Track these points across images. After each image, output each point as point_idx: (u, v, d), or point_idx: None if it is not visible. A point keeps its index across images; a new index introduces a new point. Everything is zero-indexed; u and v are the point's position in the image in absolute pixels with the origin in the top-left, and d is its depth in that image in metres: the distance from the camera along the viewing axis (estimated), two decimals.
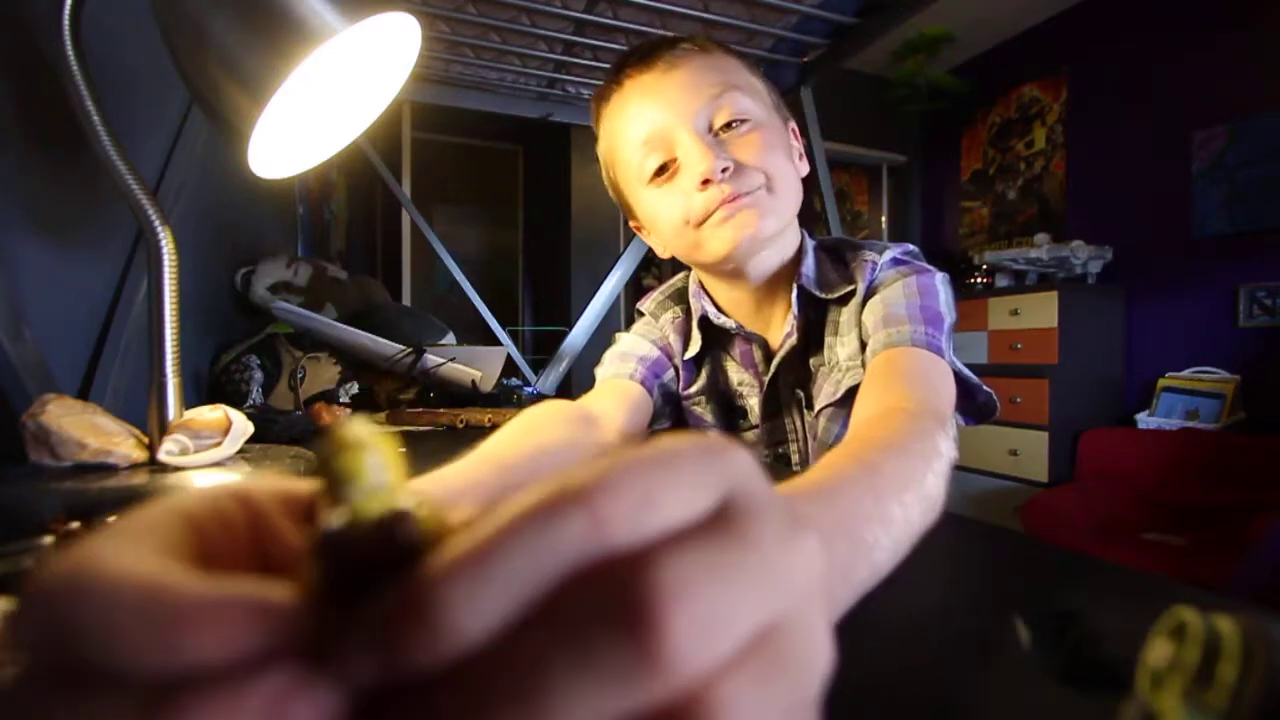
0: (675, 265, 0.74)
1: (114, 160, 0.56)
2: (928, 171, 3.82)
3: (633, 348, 0.68)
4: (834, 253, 0.65)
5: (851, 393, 0.58)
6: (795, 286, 0.61)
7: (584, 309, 1.69)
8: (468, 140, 4.13)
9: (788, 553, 0.12)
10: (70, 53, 0.54)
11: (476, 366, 1.17)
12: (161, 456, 0.55)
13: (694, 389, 0.70)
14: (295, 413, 0.96)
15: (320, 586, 0.11)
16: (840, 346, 0.61)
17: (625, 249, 1.65)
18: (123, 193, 0.57)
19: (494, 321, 1.95)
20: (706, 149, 0.54)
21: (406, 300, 3.39)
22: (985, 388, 0.59)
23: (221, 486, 0.14)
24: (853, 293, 0.60)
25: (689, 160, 0.55)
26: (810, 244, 0.64)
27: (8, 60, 0.62)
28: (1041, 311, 2.55)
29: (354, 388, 1.12)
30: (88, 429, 0.53)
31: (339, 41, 0.46)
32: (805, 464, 0.66)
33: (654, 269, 3.88)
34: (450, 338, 1.35)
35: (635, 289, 3.60)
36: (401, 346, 1.11)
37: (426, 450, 0.71)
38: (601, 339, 0.72)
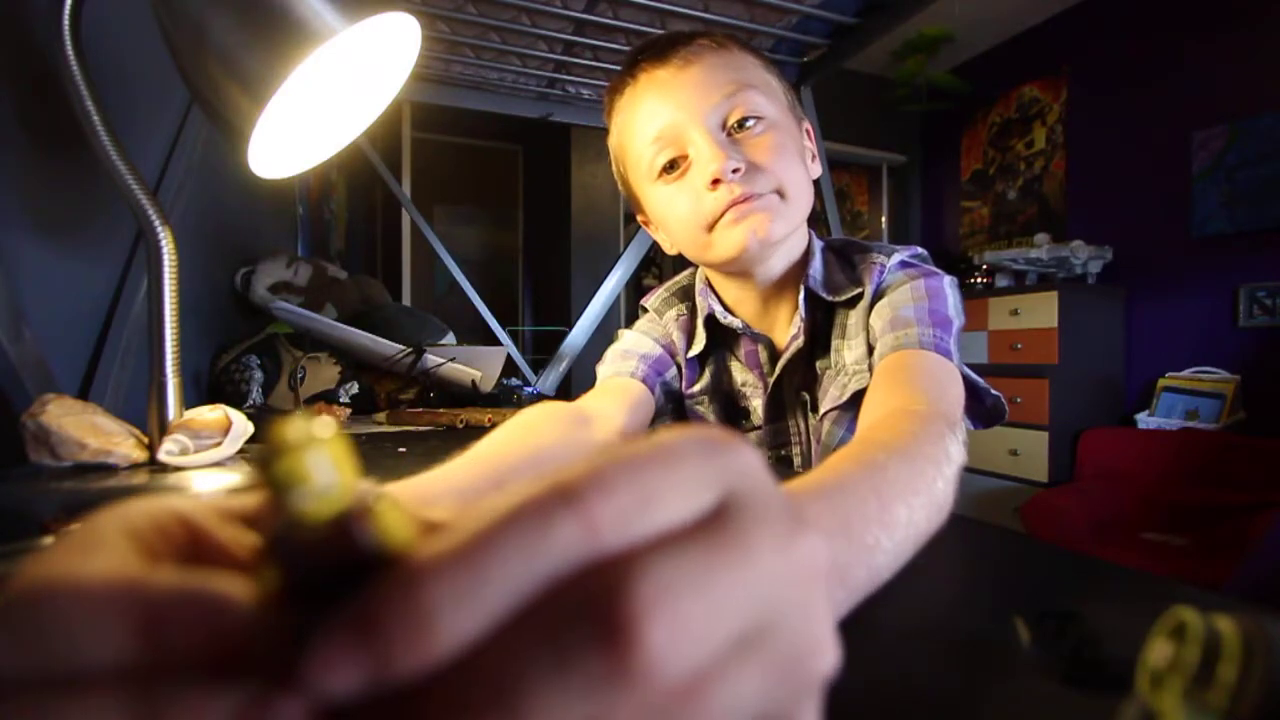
0: (676, 264, 0.74)
1: (114, 160, 0.56)
2: (928, 171, 3.82)
3: (635, 345, 0.68)
4: (841, 254, 0.65)
5: (857, 396, 0.58)
6: (802, 288, 0.61)
7: (584, 309, 1.69)
8: (468, 140, 4.13)
9: (783, 551, 0.12)
10: (70, 53, 0.54)
11: (476, 366, 1.17)
12: (161, 456, 0.55)
13: (697, 388, 0.69)
14: (297, 411, 0.95)
15: (276, 594, 0.11)
16: (847, 350, 0.61)
17: (625, 249, 1.65)
18: (123, 193, 0.57)
19: (494, 321, 1.95)
20: (718, 148, 0.54)
21: (406, 300, 3.39)
22: (993, 391, 0.59)
23: (158, 502, 0.14)
24: (860, 295, 0.60)
25: (700, 159, 0.55)
26: (818, 245, 0.63)
27: (8, 60, 0.62)
28: (1041, 311, 2.55)
29: (354, 388, 1.12)
30: (88, 429, 0.53)
31: (339, 41, 0.46)
32: (808, 467, 0.66)
33: (654, 268, 3.88)
34: (450, 338, 1.35)
35: (635, 289, 3.60)
36: (401, 346, 1.11)
37: (426, 450, 0.71)
38: (601, 339, 0.71)
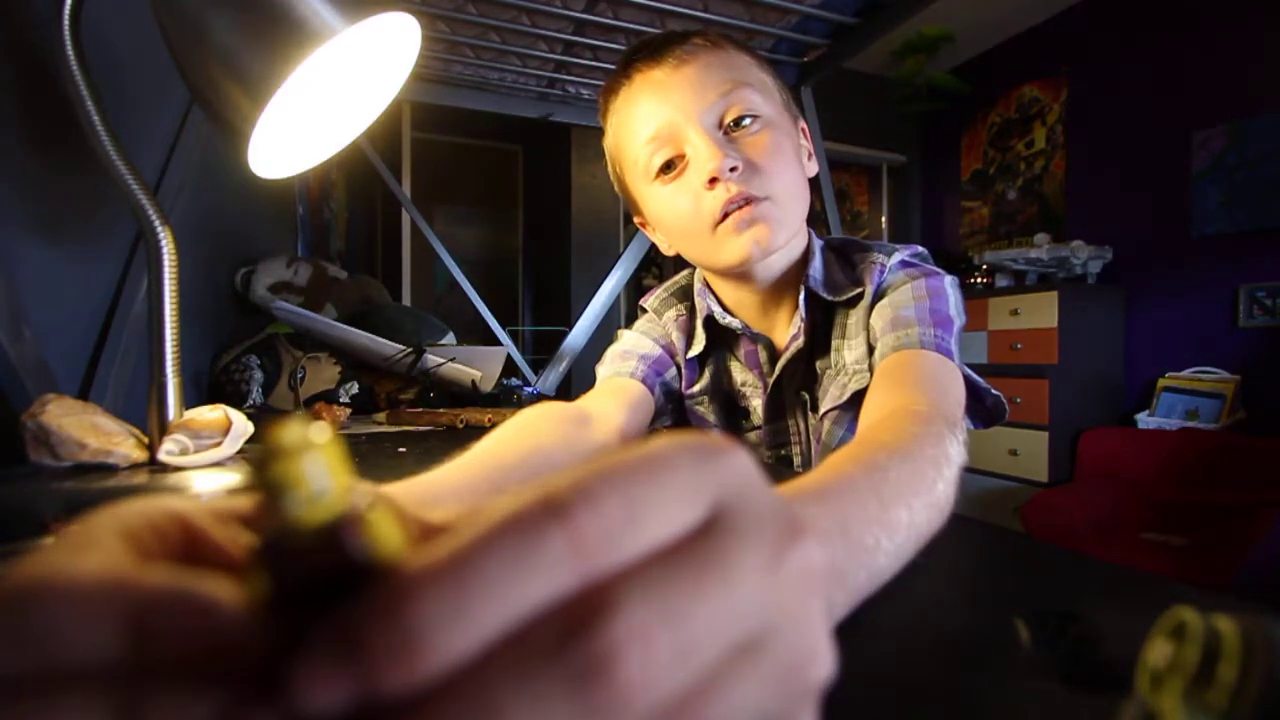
0: (676, 265, 0.74)
1: (114, 160, 0.56)
2: (928, 171, 3.81)
3: (634, 345, 0.68)
4: (841, 253, 0.65)
5: (857, 396, 0.58)
6: (803, 289, 0.61)
7: (584, 309, 1.69)
8: (468, 140, 4.13)
9: (774, 563, 0.12)
10: (70, 53, 0.54)
11: (476, 366, 1.17)
12: (161, 456, 0.55)
13: (696, 388, 0.69)
14: (295, 413, 0.96)
15: (264, 602, 0.11)
16: (848, 350, 0.61)
17: (625, 249, 1.65)
18: (123, 193, 0.57)
19: (494, 321, 1.95)
20: (715, 147, 0.54)
21: (406, 300, 3.39)
22: (994, 391, 0.59)
23: (154, 502, 0.14)
24: (860, 295, 0.60)
25: (698, 158, 0.55)
26: (817, 245, 0.63)
27: (8, 60, 0.62)
28: (1041, 311, 2.55)
29: (354, 388, 1.12)
30: (88, 429, 0.53)
31: (339, 41, 0.46)
32: (807, 467, 0.66)
33: (654, 269, 3.88)
34: (450, 338, 1.35)
35: (635, 289, 3.60)
36: (401, 346, 1.11)
37: (426, 450, 0.71)
38: (601, 339, 0.71)
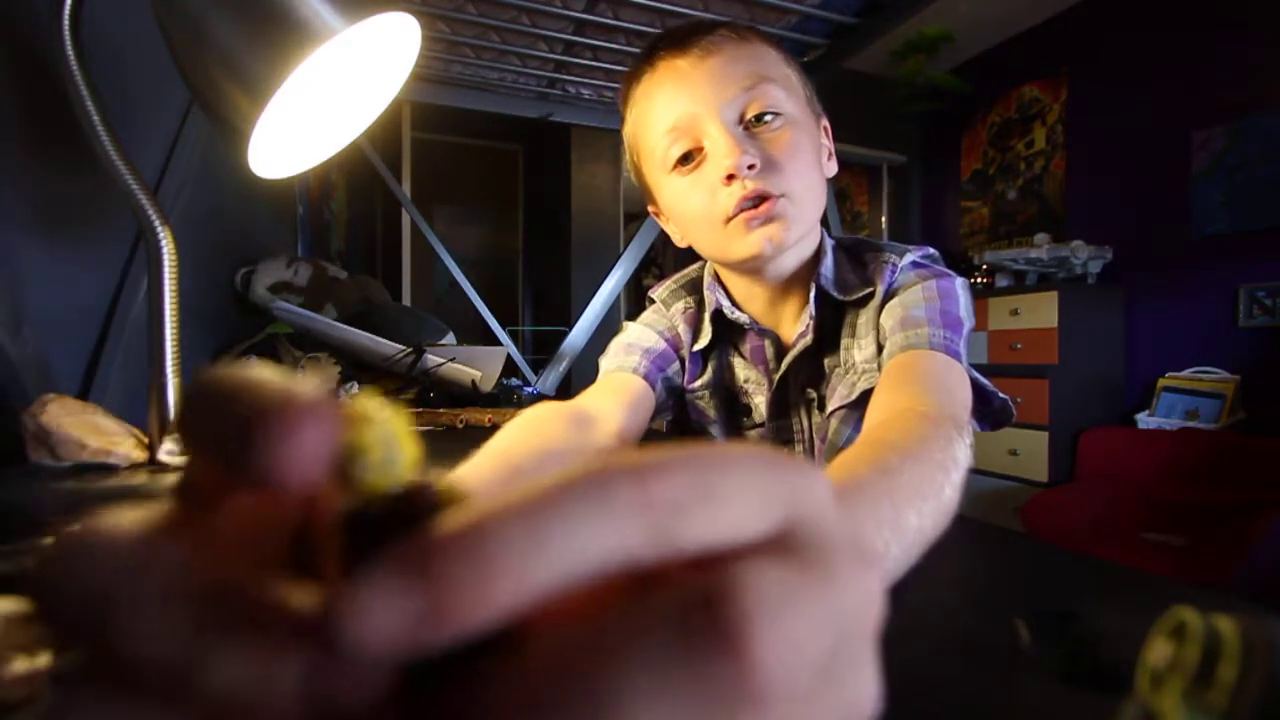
0: (677, 266, 0.74)
1: (114, 160, 0.56)
2: (928, 171, 3.81)
3: (639, 338, 0.68)
4: (852, 253, 0.65)
5: (865, 395, 0.58)
6: (813, 286, 0.61)
7: (584, 309, 1.69)
8: (468, 140, 4.13)
9: (856, 584, 0.12)
10: (70, 53, 0.54)
11: (476, 366, 1.17)
12: (161, 456, 0.55)
13: (699, 383, 0.69)
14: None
15: (338, 569, 0.10)
16: (858, 349, 0.61)
17: (625, 249, 1.65)
18: (123, 193, 0.57)
19: (494, 321, 1.95)
20: (734, 142, 0.53)
21: (406, 300, 3.39)
22: (1001, 394, 0.58)
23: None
24: (871, 295, 0.60)
25: (716, 152, 0.55)
26: (829, 244, 0.63)
27: (8, 60, 0.62)
28: (1041, 311, 2.55)
29: (354, 388, 1.12)
30: (88, 429, 0.53)
31: (339, 41, 0.46)
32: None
33: (654, 269, 3.88)
34: (450, 338, 1.35)
35: (635, 289, 3.60)
36: (401, 346, 1.11)
37: (426, 450, 0.71)
38: (601, 339, 0.71)
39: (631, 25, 1.12)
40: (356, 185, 3.14)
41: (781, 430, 0.67)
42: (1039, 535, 2.07)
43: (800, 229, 0.57)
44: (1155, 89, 2.64)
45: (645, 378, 0.64)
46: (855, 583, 0.12)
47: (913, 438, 0.36)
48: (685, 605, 0.10)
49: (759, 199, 0.54)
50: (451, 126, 3.87)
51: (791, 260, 0.61)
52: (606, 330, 0.73)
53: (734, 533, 0.11)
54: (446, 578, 0.09)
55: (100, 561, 0.10)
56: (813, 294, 0.61)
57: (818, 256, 0.62)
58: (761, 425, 0.68)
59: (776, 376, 0.65)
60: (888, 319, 0.57)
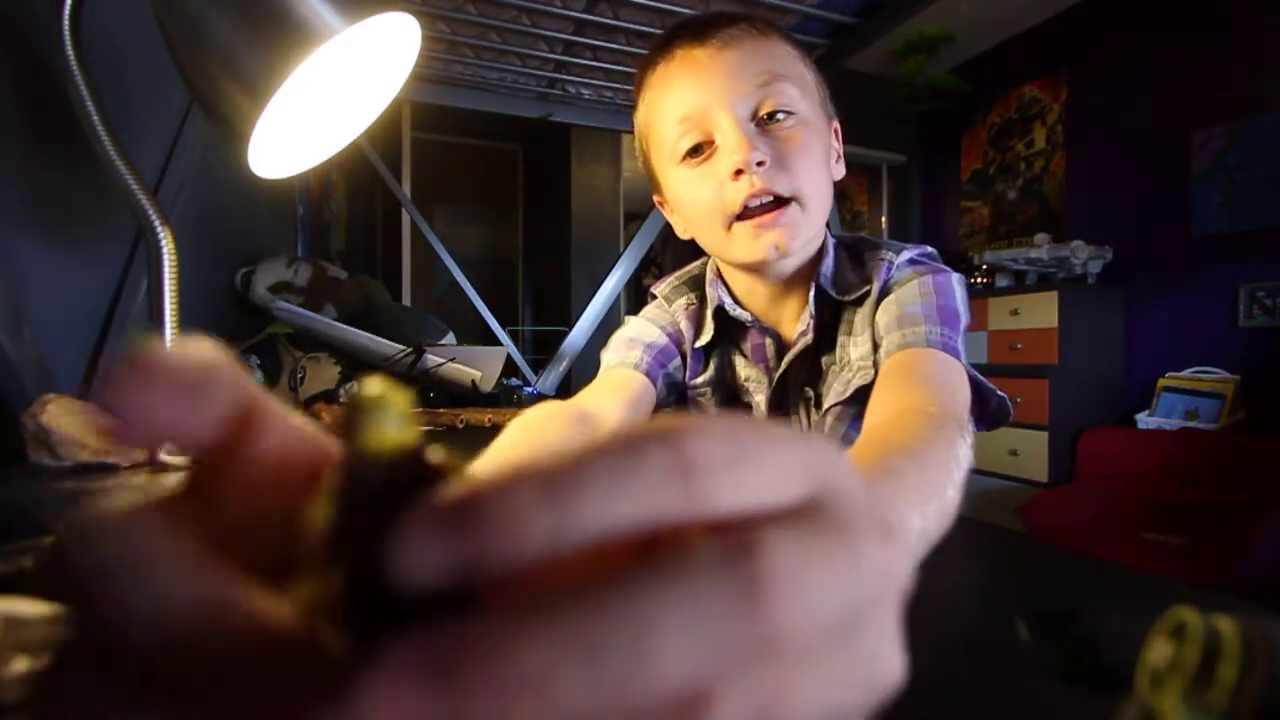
0: (676, 263, 0.74)
1: (114, 160, 0.56)
2: (928, 171, 3.81)
3: (641, 333, 0.68)
4: (853, 251, 0.65)
5: (860, 392, 0.58)
6: (813, 286, 0.61)
7: (584, 309, 1.69)
8: (468, 140, 4.13)
9: (881, 554, 0.12)
10: (70, 53, 0.54)
11: (476, 366, 1.17)
12: (161, 456, 0.55)
13: (700, 379, 0.69)
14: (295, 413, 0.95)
15: (343, 520, 0.11)
16: (853, 347, 0.61)
17: (625, 249, 1.65)
18: (123, 193, 0.57)
19: (494, 321, 1.95)
20: (745, 138, 0.53)
21: (406, 300, 3.39)
22: (999, 392, 0.58)
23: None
24: (868, 293, 0.60)
25: (726, 147, 0.54)
26: (831, 243, 0.63)
27: (8, 60, 0.62)
28: (1041, 311, 2.55)
29: (354, 388, 1.12)
30: (88, 429, 0.53)
31: (339, 41, 0.46)
32: None
33: (654, 269, 3.88)
34: (450, 338, 1.35)
35: (635, 289, 3.60)
36: (401, 346, 1.11)
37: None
38: (601, 339, 0.71)
39: (631, 25, 1.12)
40: (356, 185, 3.14)
41: None
42: (1039, 535, 2.07)
43: (806, 235, 0.57)
44: (1155, 89, 2.64)
45: (647, 374, 0.64)
46: (877, 554, 0.12)
47: (916, 438, 0.36)
48: (715, 557, 0.10)
49: (766, 198, 0.54)
50: (451, 126, 3.87)
51: (794, 261, 0.61)
52: (606, 330, 0.73)
53: (764, 499, 0.11)
54: (485, 523, 0.09)
55: (110, 536, 0.10)
56: (812, 294, 0.61)
57: (820, 256, 0.62)
58: None
59: (776, 375, 0.65)
60: (883, 316, 0.57)
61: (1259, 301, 2.31)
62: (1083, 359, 2.56)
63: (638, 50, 1.22)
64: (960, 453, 0.36)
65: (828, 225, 0.63)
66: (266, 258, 1.28)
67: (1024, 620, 0.24)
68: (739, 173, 0.53)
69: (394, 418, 0.11)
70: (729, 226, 0.56)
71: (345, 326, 1.11)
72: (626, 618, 0.09)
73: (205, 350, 0.12)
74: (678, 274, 0.72)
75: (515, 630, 0.09)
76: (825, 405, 0.62)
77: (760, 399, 0.67)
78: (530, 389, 1.40)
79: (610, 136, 3.63)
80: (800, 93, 0.56)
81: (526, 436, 0.44)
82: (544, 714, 0.09)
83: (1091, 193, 2.90)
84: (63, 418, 0.52)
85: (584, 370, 1.07)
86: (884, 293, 0.59)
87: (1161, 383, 2.53)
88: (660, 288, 0.72)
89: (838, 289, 0.61)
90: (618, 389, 0.62)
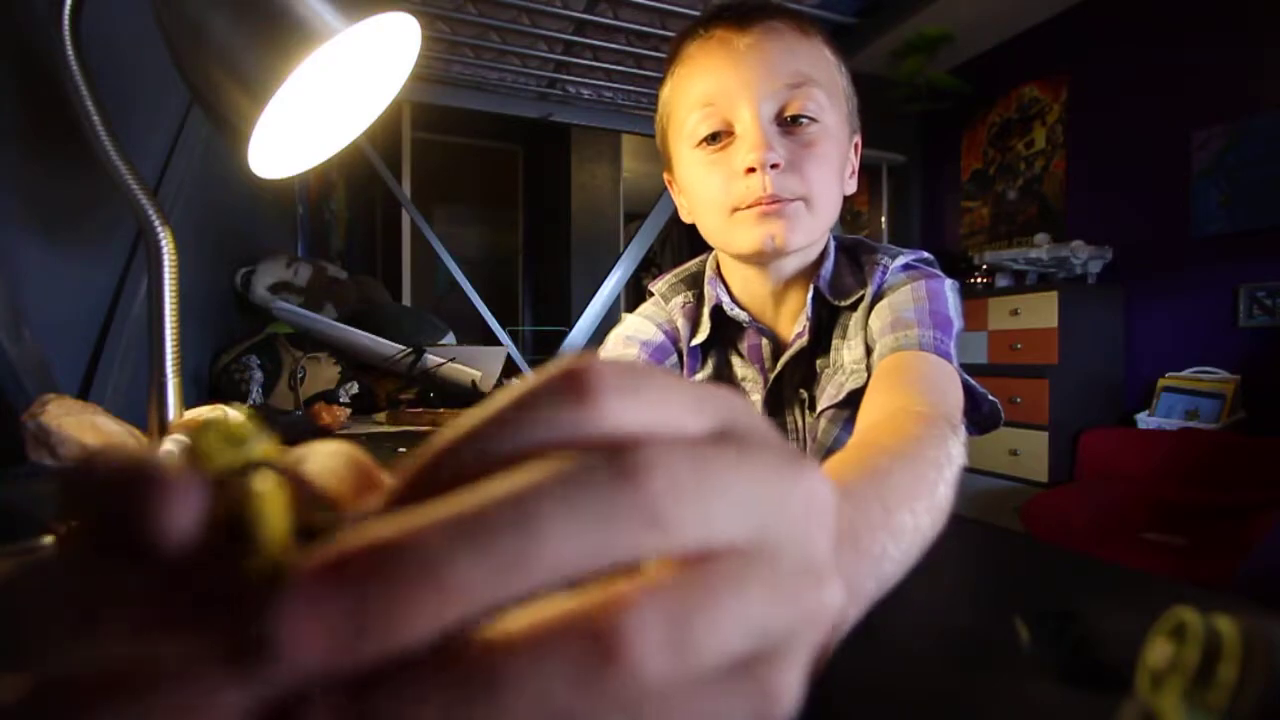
0: (676, 263, 0.74)
1: (114, 160, 0.56)
2: (928, 171, 3.81)
3: (637, 331, 0.68)
4: (851, 254, 0.65)
5: (853, 395, 0.58)
6: (811, 288, 0.61)
7: (584, 309, 1.69)
8: (468, 140, 4.13)
9: (788, 477, 0.12)
10: (70, 53, 0.54)
11: (476, 366, 1.17)
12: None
13: (699, 378, 0.69)
14: (295, 413, 0.96)
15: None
16: (846, 350, 0.61)
17: (625, 249, 1.65)
18: (123, 193, 0.57)
19: (494, 321, 1.95)
20: (763, 137, 0.53)
21: (406, 300, 3.39)
22: (990, 397, 0.58)
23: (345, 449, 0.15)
24: (863, 298, 0.60)
25: (744, 141, 0.54)
26: (832, 246, 0.63)
27: (8, 60, 0.62)
28: (1041, 311, 2.55)
29: (354, 388, 1.12)
30: (88, 429, 0.53)
31: (339, 41, 0.46)
32: None
33: (654, 269, 3.88)
34: (450, 338, 1.35)
35: (635, 289, 3.60)
36: (401, 346, 1.11)
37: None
38: (601, 339, 0.71)
39: (631, 25, 1.12)
40: (356, 185, 3.14)
41: (776, 429, 0.67)
42: (1039, 535, 2.07)
43: (805, 237, 0.56)
44: (1155, 89, 2.64)
45: None
46: (789, 470, 0.12)
47: (905, 438, 0.36)
48: (597, 454, 0.10)
49: (773, 200, 0.54)
50: (451, 126, 3.87)
51: (794, 262, 0.61)
52: (606, 330, 0.73)
53: (666, 424, 0.12)
54: (374, 595, 0.09)
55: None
56: (810, 296, 0.61)
57: (821, 259, 0.62)
58: None
59: (771, 376, 0.65)
60: (876, 320, 0.57)
61: (1259, 301, 2.30)
62: (1083, 359, 2.56)
63: (638, 50, 1.22)
64: (952, 451, 0.36)
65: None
66: (266, 258, 1.28)
67: (1024, 620, 0.24)
68: (751, 170, 0.53)
69: (231, 435, 0.11)
70: (732, 213, 0.56)
71: (345, 326, 1.11)
72: (510, 504, 0.10)
73: None
74: (675, 271, 0.72)
75: (406, 524, 0.09)
76: (818, 408, 0.62)
77: (756, 399, 0.67)
78: None
79: (610, 136, 3.63)
80: (829, 100, 0.56)
81: None
82: (448, 605, 0.09)
83: (1091, 193, 2.90)
84: (63, 418, 0.52)
85: None
86: (877, 297, 0.59)
87: (1161, 383, 2.52)
88: (658, 285, 0.72)
89: (834, 293, 0.61)
90: None
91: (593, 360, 0.11)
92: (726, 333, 0.69)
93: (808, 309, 0.61)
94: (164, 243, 0.58)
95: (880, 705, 0.20)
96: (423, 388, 1.18)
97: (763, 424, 0.13)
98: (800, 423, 0.66)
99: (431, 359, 1.12)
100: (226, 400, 0.68)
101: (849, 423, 0.60)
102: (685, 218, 0.64)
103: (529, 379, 0.11)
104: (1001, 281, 2.83)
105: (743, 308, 0.65)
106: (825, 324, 0.63)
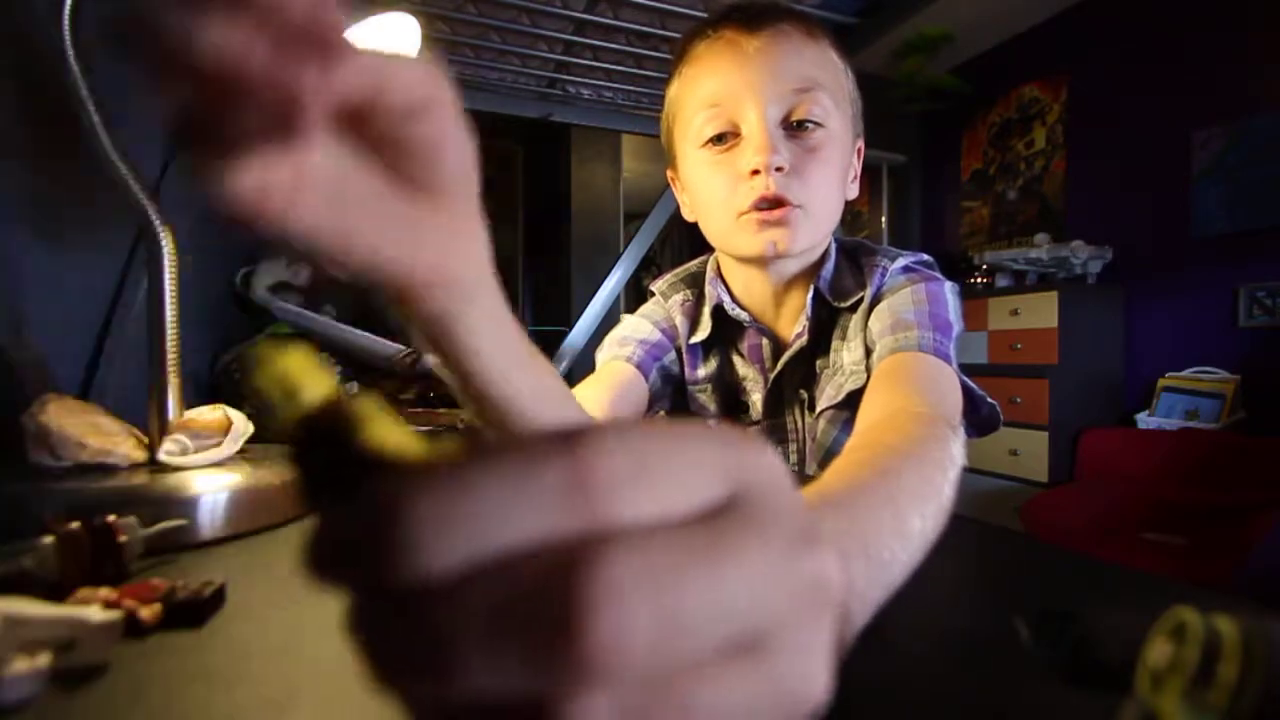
0: (676, 263, 0.74)
1: (114, 160, 0.56)
2: (928, 171, 3.81)
3: (634, 330, 0.68)
4: (851, 256, 0.65)
5: (852, 396, 0.58)
6: (812, 289, 0.61)
7: (584, 309, 1.69)
8: None
9: (790, 562, 0.11)
10: (70, 53, 0.54)
11: None
12: (161, 457, 0.55)
13: (701, 375, 0.69)
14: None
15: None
16: (846, 351, 0.61)
17: (625, 249, 1.65)
18: (123, 193, 0.57)
19: None
20: (768, 140, 0.53)
21: None
22: (989, 399, 0.58)
23: None
24: (863, 299, 0.60)
25: (749, 144, 0.54)
26: (834, 248, 0.63)
27: (8, 60, 0.62)
28: (1041, 311, 2.55)
29: (354, 388, 1.12)
30: (88, 429, 0.53)
31: None
32: (803, 465, 0.66)
33: (654, 269, 3.88)
34: None
35: (635, 289, 3.60)
36: (401, 346, 1.11)
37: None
38: (601, 339, 0.72)
39: (631, 25, 1.12)
40: None
41: (776, 429, 0.68)
42: (1039, 535, 2.07)
43: (806, 241, 0.57)
44: (1155, 89, 2.64)
45: (638, 365, 0.64)
46: (791, 557, 0.11)
47: (909, 439, 0.36)
48: (544, 572, 0.10)
49: (775, 203, 0.54)
50: None
51: (795, 263, 0.61)
52: (606, 330, 0.73)
53: (677, 508, 0.11)
54: (371, 555, 0.10)
55: None
56: (810, 297, 0.61)
57: (821, 260, 0.62)
58: (757, 423, 0.68)
59: (771, 376, 0.65)
60: (876, 322, 0.57)
61: (1259, 301, 2.30)
62: (1083, 359, 2.56)
63: (638, 50, 1.22)
64: (954, 452, 0.36)
65: None
66: (266, 258, 1.28)
67: (1024, 620, 0.24)
68: (756, 173, 0.53)
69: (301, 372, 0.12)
70: (735, 218, 0.56)
71: (345, 326, 1.11)
72: (479, 480, 0.10)
73: None
74: (676, 271, 0.73)
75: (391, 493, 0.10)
76: (818, 408, 0.63)
77: (756, 398, 0.68)
78: None
79: (610, 136, 3.63)
80: (835, 105, 0.56)
81: None
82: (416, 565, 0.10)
83: (1091, 193, 2.90)
84: (63, 418, 0.51)
85: (584, 370, 1.07)
86: (877, 299, 0.59)
87: (1161, 383, 2.52)
88: (657, 284, 0.73)
89: (835, 294, 0.61)
90: (603, 379, 0.62)
91: (596, 440, 0.10)
92: (727, 332, 0.69)
93: (808, 309, 0.61)
94: (164, 243, 0.58)
95: (880, 705, 0.20)
96: (423, 388, 1.18)
97: (780, 478, 0.12)
98: (800, 423, 0.67)
99: (431, 359, 1.12)
100: (227, 400, 0.68)
101: (848, 423, 0.61)
102: (688, 216, 0.65)
103: (522, 444, 0.10)
104: (1001, 281, 2.83)
105: (743, 308, 0.65)
106: (825, 325, 0.63)
